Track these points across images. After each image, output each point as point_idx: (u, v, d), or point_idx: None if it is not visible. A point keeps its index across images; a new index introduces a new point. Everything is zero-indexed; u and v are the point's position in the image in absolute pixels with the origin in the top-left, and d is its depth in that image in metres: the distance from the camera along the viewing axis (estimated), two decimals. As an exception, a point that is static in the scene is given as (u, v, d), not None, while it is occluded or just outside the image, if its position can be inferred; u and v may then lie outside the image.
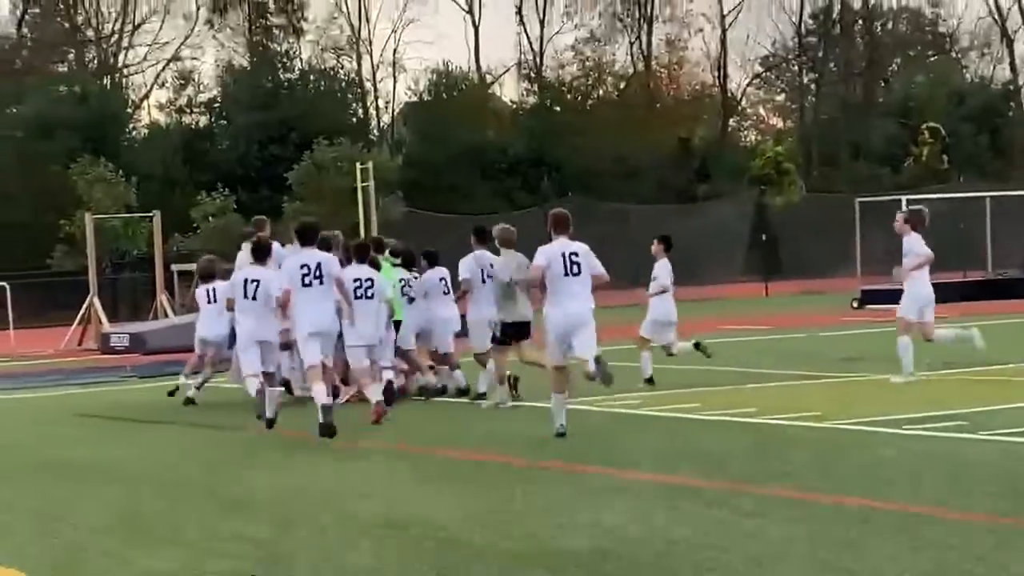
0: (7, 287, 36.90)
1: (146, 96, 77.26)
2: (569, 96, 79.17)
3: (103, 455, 15.77)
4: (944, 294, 39.50)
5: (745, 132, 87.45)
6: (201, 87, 76.84)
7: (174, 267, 42.57)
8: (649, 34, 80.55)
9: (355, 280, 17.86)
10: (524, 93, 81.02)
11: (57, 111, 61.44)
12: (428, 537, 10.12)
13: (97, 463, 15.12)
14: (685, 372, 21.53)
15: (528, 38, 79.69)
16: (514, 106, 79.68)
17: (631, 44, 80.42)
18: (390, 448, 15.15)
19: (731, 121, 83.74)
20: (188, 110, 75.87)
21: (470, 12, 78.86)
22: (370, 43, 78.19)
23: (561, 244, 15.17)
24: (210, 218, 52.69)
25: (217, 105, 72.11)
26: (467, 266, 18.92)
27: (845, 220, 46.51)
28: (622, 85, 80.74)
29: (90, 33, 75.32)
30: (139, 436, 17.63)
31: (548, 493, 11.87)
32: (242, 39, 77.16)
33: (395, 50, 79.19)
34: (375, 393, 17.25)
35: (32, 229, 56.83)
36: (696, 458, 13.33)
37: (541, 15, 79.56)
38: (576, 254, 15.10)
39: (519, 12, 79.51)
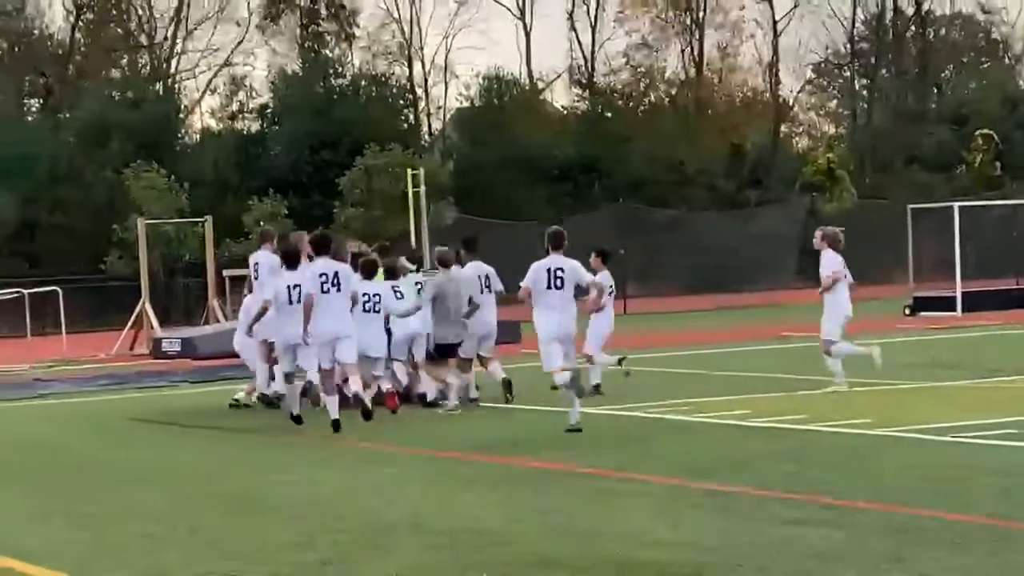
0: (59, 291, 37.09)
1: (198, 102, 77.69)
2: (620, 102, 79.08)
3: (149, 459, 15.83)
4: (997, 301, 39.57)
5: (797, 138, 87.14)
6: (253, 93, 77.22)
7: (226, 272, 42.72)
8: (700, 40, 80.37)
9: (364, 294, 18.14)
10: (575, 99, 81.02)
11: (110, 117, 61.79)
12: (456, 541, 10.10)
13: (141, 467, 15.18)
14: (735, 379, 21.44)
15: (579, 44, 79.68)
16: (565, 112, 79.64)
17: (682, 50, 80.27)
18: (417, 452, 15.18)
19: (783, 127, 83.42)
20: (240, 116, 76.23)
21: (521, 18, 78.92)
22: (421, 49, 78.34)
23: (551, 260, 16.37)
24: (261, 223, 52.82)
25: (269, 111, 72.36)
26: (467, 279, 19.11)
27: (898, 227, 46.23)
28: (673, 91, 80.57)
29: (143, 39, 75.74)
30: (186, 441, 17.72)
31: (580, 497, 11.84)
32: (294, 45, 77.45)
33: (446, 56, 79.33)
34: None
35: (85, 234, 57.21)
36: (738, 464, 13.26)
37: (592, 21, 79.52)
38: (561, 270, 16.27)
39: (570, 18, 79.53)
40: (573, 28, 79.60)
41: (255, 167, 64.39)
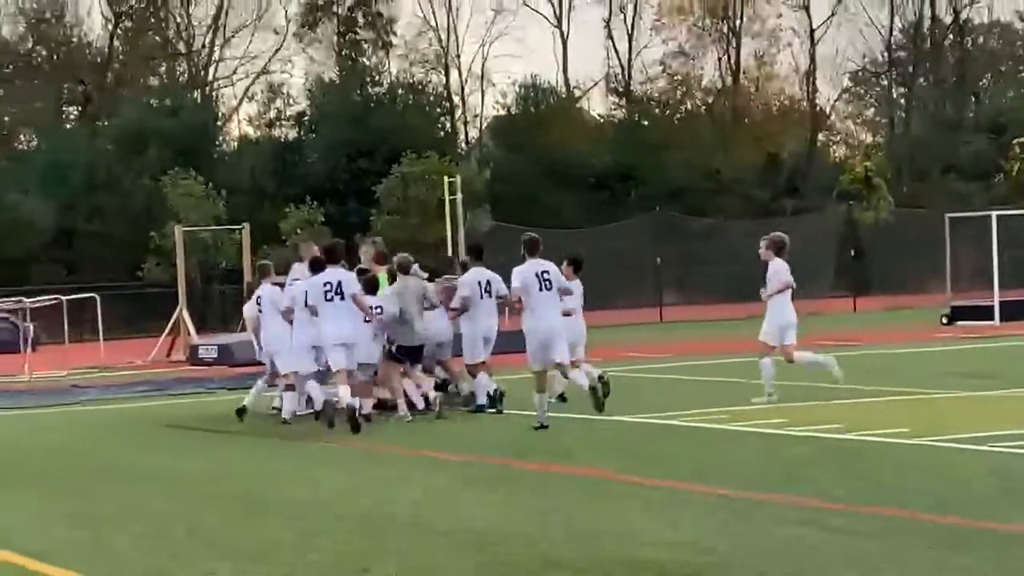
0: (97, 298, 37.25)
1: (236, 109, 77.98)
2: (657, 110, 79.06)
3: (170, 463, 15.88)
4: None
5: (834, 147, 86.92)
6: (290, 100, 77.44)
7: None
8: (737, 48, 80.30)
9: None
10: (612, 107, 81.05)
11: (148, 124, 62.08)
12: (456, 541, 10.09)
13: (160, 470, 15.22)
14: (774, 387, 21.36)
15: (616, 52, 79.73)
16: (602, 120, 79.65)
17: (719, 59, 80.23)
18: (419, 454, 15.24)
19: (820, 136, 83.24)
20: (277, 123, 76.46)
21: (558, 26, 79.03)
22: (458, 57, 78.48)
23: (534, 264, 17.30)
24: (298, 231, 53.00)
25: (306, 118, 72.58)
26: (466, 283, 19.45)
27: (935, 236, 46.09)
28: (710, 99, 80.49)
29: (181, 47, 76.05)
30: (211, 445, 17.76)
31: (580, 498, 11.84)
32: (331, 53, 77.65)
33: (483, 64, 79.49)
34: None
35: (122, 241, 57.50)
36: (769, 472, 13.19)
37: (629, 29, 79.58)
38: (547, 272, 17.31)
39: (607, 26, 79.58)
40: (610, 36, 79.72)
41: (292, 174, 64.60)
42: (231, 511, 12.16)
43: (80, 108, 73.26)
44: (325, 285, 18.01)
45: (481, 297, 19.37)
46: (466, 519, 11.00)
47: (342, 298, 17.95)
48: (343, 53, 77.12)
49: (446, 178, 42.61)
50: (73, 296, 38.13)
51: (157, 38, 75.83)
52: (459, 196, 40.48)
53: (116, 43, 74.40)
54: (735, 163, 71.42)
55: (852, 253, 56.79)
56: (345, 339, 17.98)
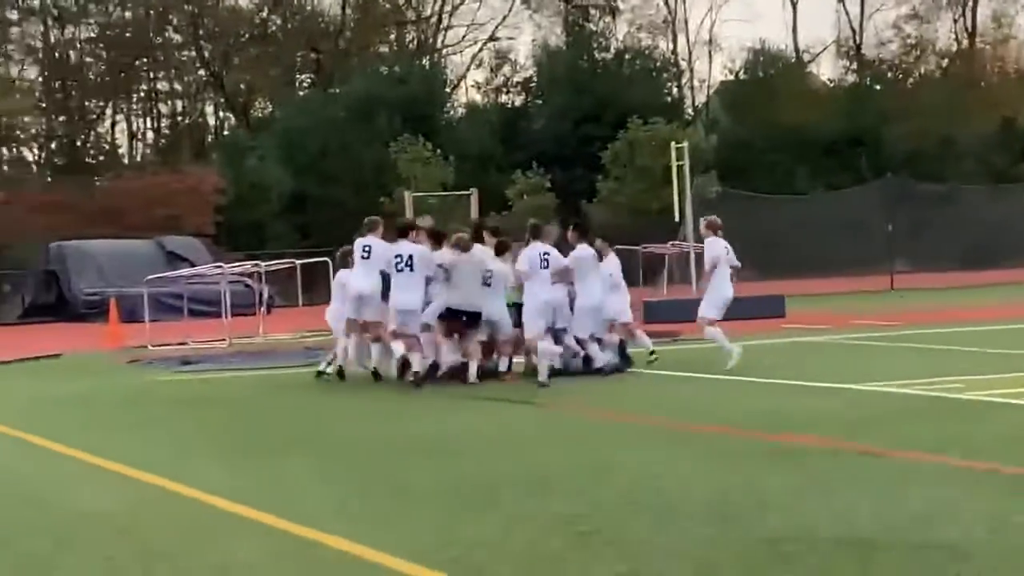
0: (329, 262, 37.80)
1: (463, 76, 78.58)
2: (889, 74, 77.62)
3: (434, 430, 15.90)
4: None
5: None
6: (517, 67, 77.78)
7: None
8: (974, 10, 78.46)
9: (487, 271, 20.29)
10: (842, 71, 79.80)
11: (378, 91, 62.91)
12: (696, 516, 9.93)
13: (430, 438, 15.23)
14: (1009, 357, 20.85)
15: (847, 15, 78.48)
16: (831, 85, 78.48)
17: (955, 21, 78.47)
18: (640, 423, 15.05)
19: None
20: (504, 90, 76.86)
21: (788, -10, 77.99)
22: (686, 22, 78.11)
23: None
24: (524, 196, 53.28)
25: (533, 84, 72.82)
26: (525, 257, 20.24)
27: None
28: (944, 63, 78.76)
29: (410, 14, 76.85)
30: (454, 409, 17.82)
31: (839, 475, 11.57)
32: (558, 19, 77.78)
33: (711, 29, 79.15)
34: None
35: (353, 207, 58.37)
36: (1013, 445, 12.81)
37: (861, -8, 78.21)
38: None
39: (838, -11, 78.31)
40: (841, -1, 78.42)
41: (518, 140, 64.91)
42: (513, 480, 11.95)
43: (312, 76, 74.55)
44: (396, 257, 19.89)
45: (540, 269, 20.00)
46: (681, 491, 10.79)
47: (411, 269, 19.76)
48: (570, 19, 77.17)
49: (673, 144, 42.33)
50: (306, 260, 38.77)
51: (387, 6, 76.75)
52: (686, 162, 40.20)
53: (347, 11, 75.51)
54: (969, 128, 69.81)
55: (1092, 220, 55.12)
56: (412, 305, 19.82)
